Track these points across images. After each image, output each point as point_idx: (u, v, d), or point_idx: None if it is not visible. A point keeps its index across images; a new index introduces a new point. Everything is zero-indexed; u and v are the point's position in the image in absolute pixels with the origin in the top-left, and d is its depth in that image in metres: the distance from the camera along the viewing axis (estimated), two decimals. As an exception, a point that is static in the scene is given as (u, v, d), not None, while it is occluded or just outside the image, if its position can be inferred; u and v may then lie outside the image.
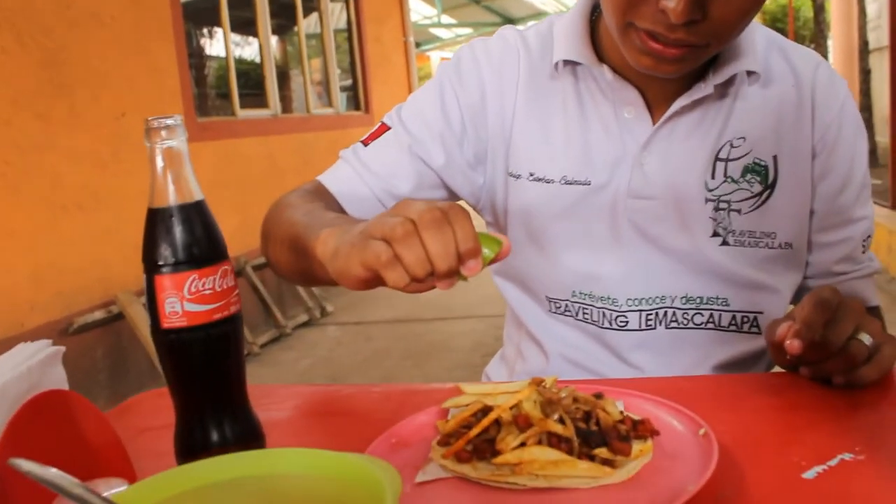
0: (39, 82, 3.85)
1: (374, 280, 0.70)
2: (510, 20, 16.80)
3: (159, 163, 0.74)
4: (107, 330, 4.10)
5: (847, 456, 0.68)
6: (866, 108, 9.10)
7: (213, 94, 5.82)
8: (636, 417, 0.73)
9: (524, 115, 1.10)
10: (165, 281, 0.73)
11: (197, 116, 5.16)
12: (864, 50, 9.07)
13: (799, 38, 12.56)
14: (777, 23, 13.48)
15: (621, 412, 0.74)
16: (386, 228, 0.66)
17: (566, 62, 1.08)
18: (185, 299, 0.73)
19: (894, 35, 5.73)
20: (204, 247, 0.74)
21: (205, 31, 5.92)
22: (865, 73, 9.14)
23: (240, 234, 5.30)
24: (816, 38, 11.51)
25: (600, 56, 1.07)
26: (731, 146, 1.05)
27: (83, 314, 3.98)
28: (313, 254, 0.80)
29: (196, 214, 0.75)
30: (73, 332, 3.88)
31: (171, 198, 0.74)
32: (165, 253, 0.73)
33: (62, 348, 0.80)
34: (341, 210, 1.07)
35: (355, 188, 1.09)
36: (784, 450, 0.71)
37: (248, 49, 6.44)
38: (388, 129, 1.12)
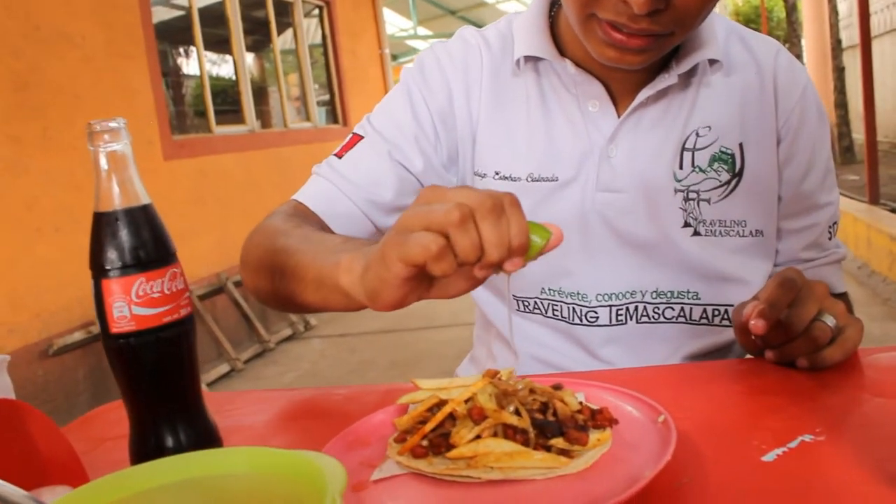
0: (10, 105, 3.82)
1: (413, 283, 0.66)
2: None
3: (103, 166, 0.73)
4: (87, 351, 4.07)
5: (807, 437, 0.68)
6: (842, 106, 9.18)
7: (189, 112, 5.80)
8: (594, 407, 0.72)
9: (488, 114, 1.10)
10: (112, 285, 0.72)
11: (173, 134, 5.14)
12: (838, 48, 9.16)
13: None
14: (750, 24, 13.59)
15: (580, 403, 0.73)
16: (438, 215, 0.62)
17: (528, 58, 1.07)
18: (133, 303, 0.72)
19: (865, 33, 5.78)
20: (151, 250, 0.73)
21: (179, 49, 5.90)
22: (839, 71, 9.22)
23: (219, 250, 5.29)
24: (790, 37, 11.61)
25: (561, 50, 1.06)
26: (698, 135, 1.05)
27: (62, 335, 3.95)
28: (333, 282, 0.76)
29: (142, 218, 0.73)
30: (52, 353, 3.85)
31: (117, 201, 0.73)
32: (111, 257, 0.72)
33: (7, 357, 0.78)
34: (325, 228, 1.03)
35: (336, 203, 1.06)
36: (745, 434, 0.70)
37: (223, 66, 6.43)
38: (361, 138, 1.10)
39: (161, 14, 5.36)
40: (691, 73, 1.04)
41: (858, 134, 9.56)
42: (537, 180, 1.06)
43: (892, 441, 0.58)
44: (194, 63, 5.85)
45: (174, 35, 5.75)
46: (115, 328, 0.72)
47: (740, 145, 1.05)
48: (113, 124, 0.74)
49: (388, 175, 1.07)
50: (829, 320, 0.83)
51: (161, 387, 0.74)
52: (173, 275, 0.74)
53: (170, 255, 0.75)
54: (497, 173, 1.08)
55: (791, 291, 0.82)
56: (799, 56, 10.86)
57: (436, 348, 4.76)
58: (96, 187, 0.73)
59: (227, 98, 6.25)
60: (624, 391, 0.76)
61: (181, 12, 5.75)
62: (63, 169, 4.07)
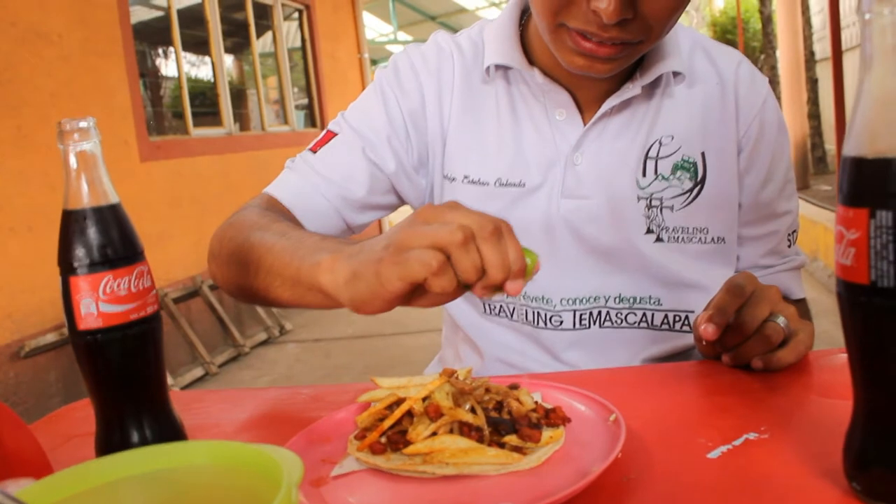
0: (-17, 102, 3.80)
1: (404, 297, 0.68)
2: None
3: (73, 165, 0.75)
4: (60, 353, 4.04)
5: (752, 435, 0.70)
6: (815, 117, 9.28)
7: (166, 114, 5.78)
8: (549, 406, 0.74)
9: (458, 119, 1.12)
10: (80, 282, 0.73)
11: (149, 135, 5.12)
12: (811, 60, 9.27)
13: (749, 49, 12.78)
14: (727, 34, 13.73)
15: (536, 402, 0.75)
16: (442, 234, 0.64)
17: (497, 66, 1.10)
18: (101, 300, 0.73)
19: (836, 46, 5.87)
20: (118, 248, 0.74)
21: (157, 50, 5.88)
22: (813, 83, 9.33)
23: (195, 252, 5.27)
24: (765, 48, 11.74)
25: (530, 59, 1.09)
26: (661, 144, 1.07)
27: (35, 337, 3.92)
28: (312, 282, 0.77)
29: (110, 216, 0.75)
30: (24, 355, 3.82)
31: (85, 200, 0.74)
32: (79, 254, 0.73)
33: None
34: (296, 222, 1.04)
35: (309, 198, 1.08)
36: (693, 432, 0.72)
37: (201, 68, 6.40)
38: (336, 135, 1.12)
39: (140, 14, 5.33)
40: (655, 83, 1.07)
41: (831, 144, 9.69)
42: (505, 185, 1.08)
43: (832, 438, 0.60)
44: (172, 64, 5.83)
45: (152, 35, 5.73)
46: (83, 325, 0.74)
47: (702, 154, 1.08)
48: (83, 123, 0.75)
49: (361, 172, 1.09)
50: (781, 321, 0.86)
51: (127, 383, 0.76)
52: (140, 273, 0.75)
53: (137, 254, 0.76)
54: (466, 177, 1.10)
55: (739, 297, 0.85)
56: (774, 67, 10.98)
57: (409, 353, 4.78)
58: (66, 185, 0.75)
59: (204, 100, 6.23)
60: (578, 391, 0.79)
61: (160, 13, 5.73)
62: (37, 168, 4.05)
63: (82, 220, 0.74)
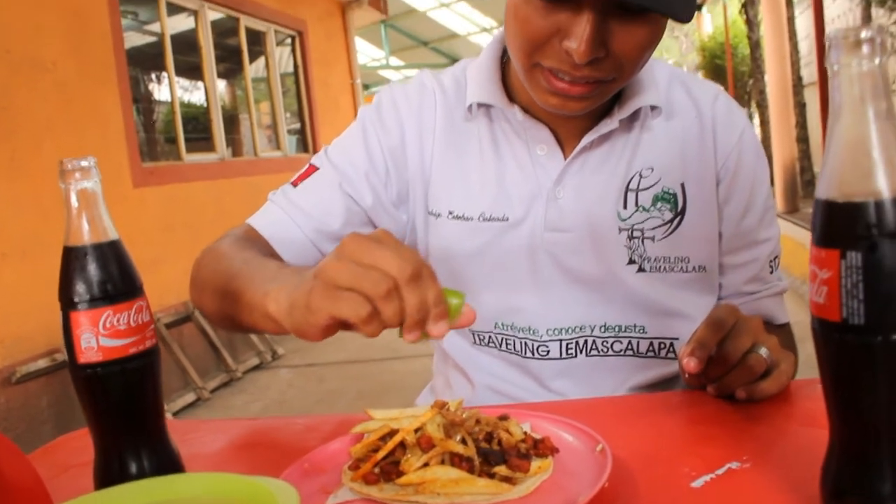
0: (-22, 130, 3.82)
1: (336, 329, 0.71)
2: (457, 61, 17.01)
3: (74, 203, 0.77)
4: (51, 378, 4.04)
5: (734, 465, 0.72)
6: (803, 140, 9.37)
7: (159, 139, 5.80)
8: (537, 437, 0.76)
9: (442, 156, 1.14)
10: (81, 317, 0.75)
11: (142, 161, 5.15)
12: (799, 85, 9.38)
13: (738, 74, 12.90)
14: (716, 59, 13.86)
15: (525, 432, 0.77)
16: (368, 285, 0.66)
17: (480, 104, 1.12)
18: (101, 334, 0.75)
19: (822, 71, 5.94)
20: (118, 284, 0.76)
21: (150, 75, 5.92)
22: (801, 107, 9.43)
23: (187, 278, 5.22)
24: (754, 73, 11.87)
25: (511, 97, 1.12)
26: (641, 176, 1.10)
27: (26, 363, 3.92)
28: (263, 310, 0.80)
29: (110, 253, 0.77)
30: (16, 381, 3.82)
31: (86, 237, 0.76)
32: (80, 290, 0.75)
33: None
34: (273, 252, 1.08)
35: (286, 230, 1.10)
36: (677, 461, 0.74)
37: (194, 93, 6.44)
38: (317, 169, 1.15)
39: (133, 39, 5.37)
40: (633, 117, 1.09)
41: (819, 168, 9.77)
42: (489, 220, 1.11)
43: (812, 467, 0.62)
44: (165, 90, 5.86)
45: (146, 61, 5.77)
46: (83, 358, 0.75)
47: (682, 185, 1.10)
48: (84, 163, 0.77)
49: (337, 206, 1.11)
50: (764, 352, 0.88)
51: (126, 415, 0.78)
52: (139, 308, 0.77)
53: (136, 289, 0.78)
54: (451, 213, 1.13)
55: (720, 330, 0.87)
56: (762, 91, 11.09)
57: (401, 379, 4.79)
58: (67, 222, 0.77)
59: (197, 125, 6.26)
60: (567, 422, 0.81)
61: (153, 38, 5.77)
62: (30, 195, 4.07)
63: (83, 256, 0.76)
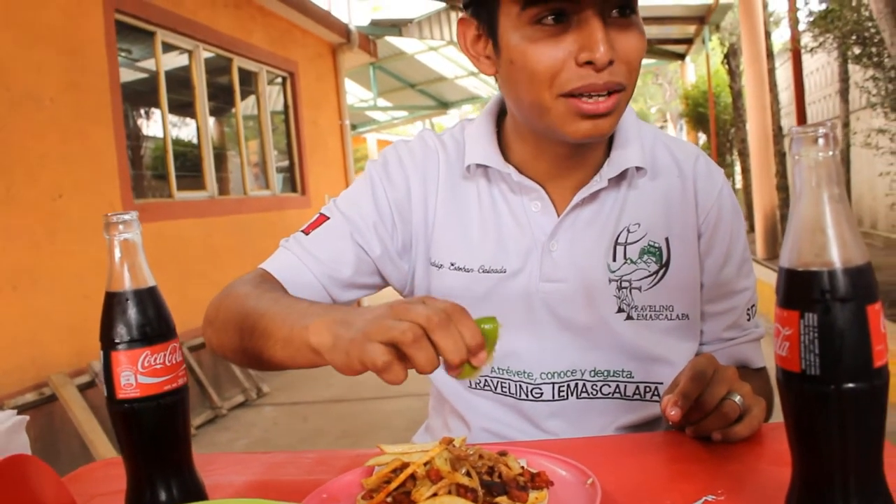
0: (-23, 164, 3.89)
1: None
2: (444, 104, 17.25)
3: (116, 253, 0.85)
4: (38, 412, 4.06)
5: (710, 498, 0.81)
6: (783, 189, 9.56)
7: (149, 176, 5.87)
8: (534, 471, 0.85)
9: (444, 211, 1.23)
10: (121, 357, 0.83)
11: (134, 198, 5.22)
12: (779, 134, 9.59)
13: (720, 122, 13.15)
14: (699, 107, 14.12)
15: (522, 467, 0.85)
16: (395, 333, 0.74)
17: (478, 164, 1.22)
18: (139, 373, 0.83)
19: (801, 120, 6.13)
20: (155, 326, 0.84)
21: (143, 111, 5.99)
22: (781, 156, 9.63)
23: (177, 314, 5.24)
24: (736, 122, 12.11)
25: (507, 157, 1.21)
26: (629, 231, 1.19)
27: (14, 396, 3.95)
28: (303, 342, 0.86)
29: (148, 298, 0.85)
30: (3, 414, 3.84)
31: (127, 283, 0.84)
32: (121, 332, 0.83)
33: (26, 417, 0.88)
34: (286, 293, 1.14)
35: (300, 274, 1.18)
36: (659, 495, 0.83)
37: (185, 130, 6.51)
38: (328, 218, 1.23)
39: (126, 75, 5.45)
40: (621, 177, 1.19)
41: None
42: (488, 272, 1.20)
43: (779, 499, 0.70)
44: (158, 127, 5.92)
45: (139, 98, 5.82)
46: (122, 394, 0.83)
47: (666, 239, 1.20)
48: (126, 217, 0.85)
49: (348, 255, 1.20)
50: (738, 399, 0.97)
51: (158, 446, 0.85)
52: (173, 349, 0.86)
53: (171, 331, 0.86)
54: (452, 264, 1.21)
55: (701, 383, 0.97)
56: (744, 140, 11.31)
57: (386, 419, 4.84)
58: (109, 269, 0.85)
59: (187, 162, 6.32)
60: (560, 458, 0.89)
61: (147, 75, 5.86)
62: (23, 228, 4.13)
63: (124, 301, 0.84)
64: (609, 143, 1.21)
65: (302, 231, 1.23)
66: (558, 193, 1.20)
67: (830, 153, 0.62)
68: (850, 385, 0.61)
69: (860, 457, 0.64)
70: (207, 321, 1.13)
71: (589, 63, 1.01)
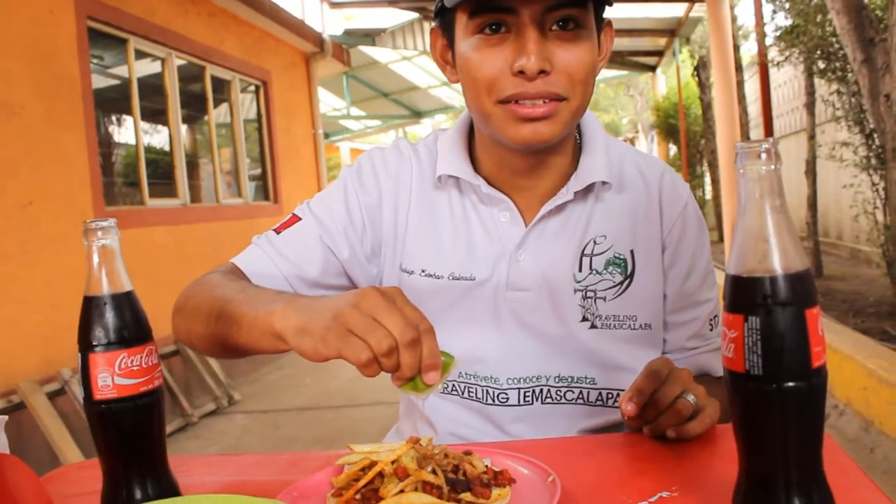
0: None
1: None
2: (418, 113, 17.30)
3: (95, 258, 0.87)
4: (9, 420, 4.03)
5: (665, 494, 0.85)
6: (751, 200, 9.66)
7: (121, 183, 5.85)
8: (497, 469, 0.88)
9: (416, 219, 1.26)
10: (98, 359, 0.86)
11: (105, 205, 5.20)
12: (748, 146, 9.71)
13: (690, 133, 13.29)
14: (669, 119, 14.26)
15: (486, 465, 0.89)
16: (373, 339, 0.80)
17: (449, 175, 1.26)
18: (116, 374, 0.86)
19: (768, 133, 6.24)
20: (132, 330, 0.87)
21: (115, 118, 5.96)
22: (749, 168, 9.74)
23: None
24: (706, 133, 12.26)
25: (477, 169, 1.25)
26: (595, 243, 1.23)
27: (-17, 404, 3.93)
28: (267, 327, 0.91)
29: (126, 302, 0.88)
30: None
31: (105, 288, 0.87)
32: (99, 335, 0.86)
33: (5, 417, 0.91)
34: None
35: (268, 271, 1.21)
36: (617, 491, 0.87)
37: (157, 137, 6.49)
38: (299, 219, 1.26)
39: (99, 83, 5.43)
40: (588, 190, 1.23)
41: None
42: (457, 279, 1.23)
43: (730, 494, 0.75)
44: (130, 134, 5.90)
45: (111, 105, 5.79)
46: (99, 395, 0.86)
47: (631, 251, 1.24)
48: (105, 223, 0.88)
49: (316, 255, 1.23)
50: (691, 398, 1.01)
51: (134, 446, 0.88)
52: (150, 351, 0.88)
53: (147, 335, 0.89)
54: (423, 271, 1.25)
55: (655, 380, 1.01)
56: (713, 151, 11.45)
57: (357, 426, 4.85)
58: (87, 274, 0.87)
59: (159, 169, 6.30)
60: (522, 457, 0.93)
61: (119, 82, 5.84)
62: (-8, 237, 4.11)
63: (102, 305, 0.87)
64: (576, 154, 1.25)
65: (274, 230, 1.26)
66: (526, 204, 1.24)
67: (773, 166, 0.66)
68: (791, 384, 0.66)
69: (801, 451, 0.68)
70: (177, 309, 1.16)
71: (522, 72, 1.06)
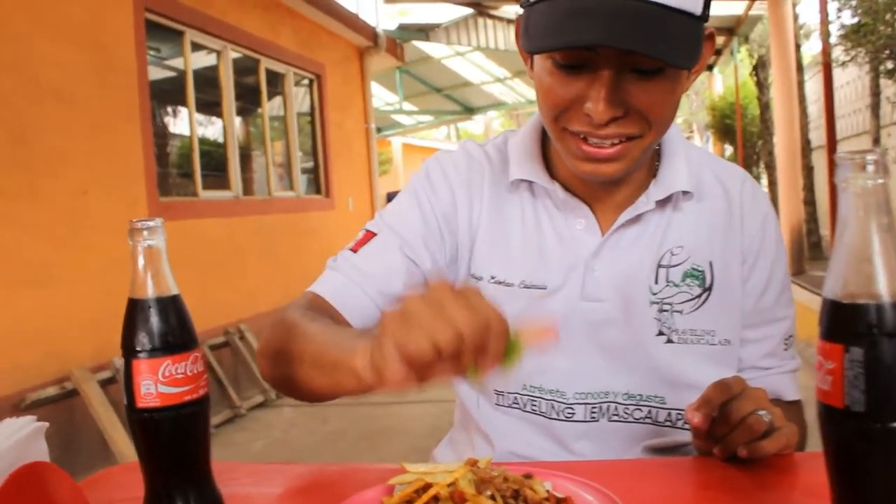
0: (4, 159, 3.91)
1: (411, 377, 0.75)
2: (470, 109, 17.25)
3: (140, 260, 0.83)
4: (59, 406, 4.08)
5: (741, 530, 0.78)
6: (810, 203, 9.47)
7: (175, 174, 5.89)
8: (560, 495, 0.82)
9: (487, 224, 1.21)
10: (142, 365, 0.82)
11: (159, 196, 5.24)
12: (807, 148, 9.50)
13: (747, 134, 13.03)
14: (726, 119, 14.01)
15: (548, 491, 0.83)
16: (440, 338, 0.71)
17: (522, 180, 1.20)
18: (160, 382, 0.82)
19: (831, 135, 6.05)
20: (177, 336, 0.83)
21: (170, 110, 6.02)
22: (808, 170, 9.55)
23: (197, 313, 5.25)
24: (763, 135, 12.01)
25: (552, 173, 1.19)
26: (672, 254, 1.16)
27: (36, 390, 3.97)
28: (349, 366, 0.84)
29: (171, 307, 0.84)
30: (25, 407, 3.87)
31: (150, 291, 0.83)
32: (143, 340, 0.82)
33: (45, 424, 0.87)
34: (339, 319, 1.12)
35: (352, 294, 1.15)
36: (688, 524, 0.80)
37: (211, 129, 6.54)
38: (374, 234, 1.20)
39: (155, 74, 5.48)
40: (666, 199, 1.17)
41: (826, 230, 9.85)
42: (528, 287, 1.17)
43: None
44: (184, 125, 5.96)
45: (167, 96, 5.86)
46: (142, 403, 0.82)
47: (710, 263, 1.17)
48: (151, 223, 0.84)
49: (399, 268, 1.17)
50: (765, 415, 0.94)
51: (176, 457, 0.84)
52: (195, 359, 0.84)
53: (193, 341, 0.85)
54: (493, 278, 1.19)
55: (724, 392, 0.95)
56: (771, 153, 11.22)
57: (405, 423, 4.82)
58: (132, 276, 0.83)
59: (212, 161, 6.34)
60: (585, 482, 0.86)
61: (174, 74, 5.89)
62: (46, 224, 4.15)
63: (146, 308, 0.83)
64: (655, 161, 1.19)
65: (349, 249, 1.20)
66: (602, 212, 1.18)
67: (879, 180, 0.59)
68: (897, 424, 0.59)
69: (904, 496, 0.61)
70: (260, 353, 1.12)
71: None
